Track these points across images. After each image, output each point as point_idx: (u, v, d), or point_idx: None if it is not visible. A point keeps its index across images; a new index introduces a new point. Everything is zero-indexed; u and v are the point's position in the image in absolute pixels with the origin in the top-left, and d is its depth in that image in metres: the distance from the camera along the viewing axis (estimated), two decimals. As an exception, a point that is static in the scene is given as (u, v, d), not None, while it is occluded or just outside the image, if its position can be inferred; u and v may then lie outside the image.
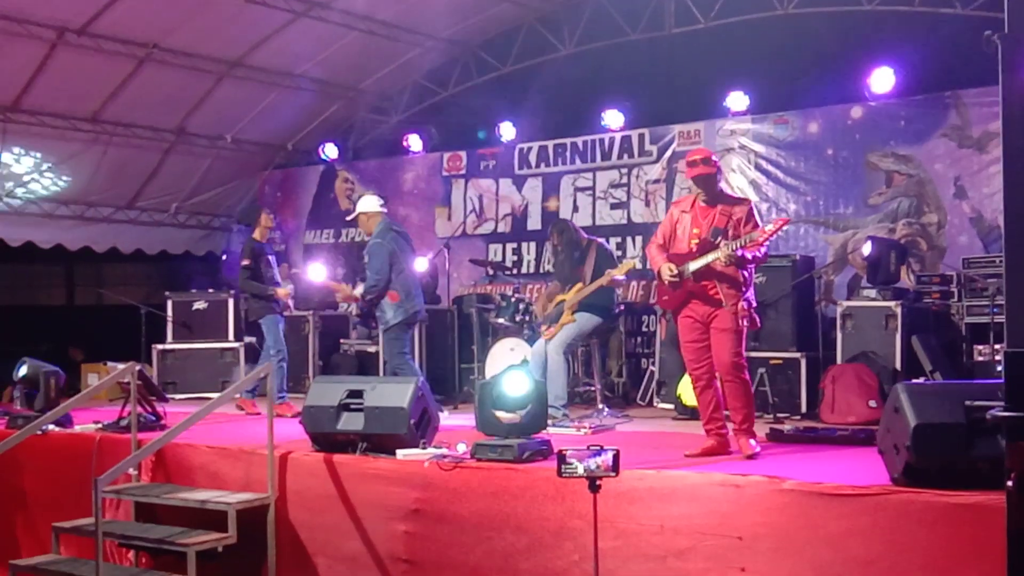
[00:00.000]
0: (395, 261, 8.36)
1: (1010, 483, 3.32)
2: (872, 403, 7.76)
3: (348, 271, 13.92)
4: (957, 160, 9.80)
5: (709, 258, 6.25)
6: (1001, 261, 4.14)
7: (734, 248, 6.16)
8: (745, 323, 6.31)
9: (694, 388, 6.58)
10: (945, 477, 4.64)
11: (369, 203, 8.64)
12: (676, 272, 6.34)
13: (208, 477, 6.88)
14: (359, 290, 8.58)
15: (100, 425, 7.95)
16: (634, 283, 11.28)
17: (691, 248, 6.40)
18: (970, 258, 9.28)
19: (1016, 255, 3.53)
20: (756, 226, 6.32)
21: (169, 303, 11.70)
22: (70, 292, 16.35)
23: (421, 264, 10.08)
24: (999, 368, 3.67)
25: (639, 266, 11.30)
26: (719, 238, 6.28)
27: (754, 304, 6.43)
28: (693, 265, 6.33)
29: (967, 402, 4.59)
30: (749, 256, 6.25)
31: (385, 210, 8.75)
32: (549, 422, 7.33)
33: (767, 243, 6.28)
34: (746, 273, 6.36)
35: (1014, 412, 3.34)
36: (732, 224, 6.32)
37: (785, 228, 10.31)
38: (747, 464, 5.68)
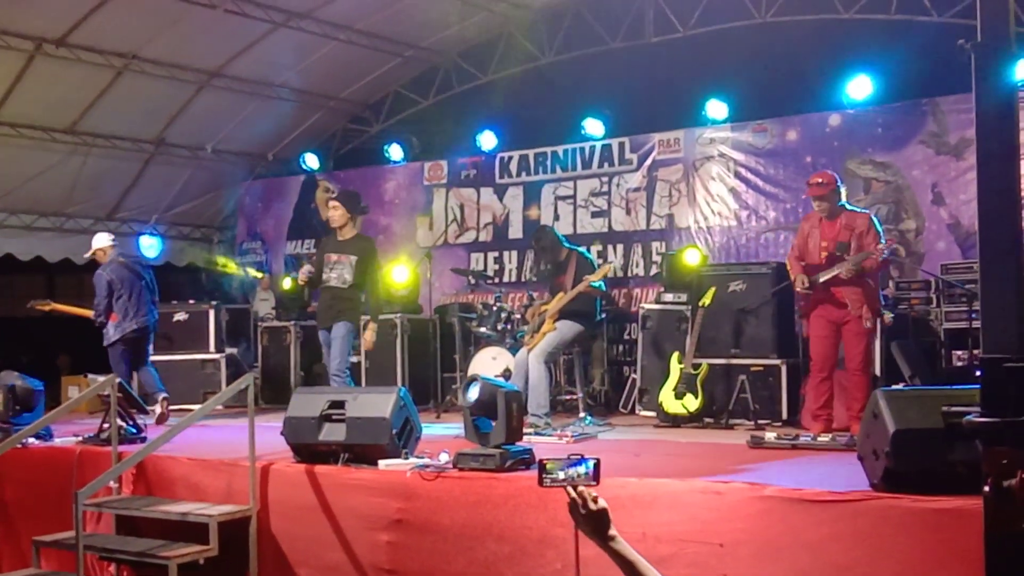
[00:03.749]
0: (114, 288, 9.56)
1: (987, 488, 3.34)
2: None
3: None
4: (935, 167, 9.87)
5: (835, 271, 7.40)
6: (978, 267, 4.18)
7: (853, 265, 7.30)
8: (868, 324, 7.43)
9: (813, 378, 7.62)
10: (924, 482, 4.65)
11: (100, 240, 9.93)
12: (808, 284, 7.49)
13: (189, 489, 6.84)
14: (91, 313, 9.70)
15: (80, 438, 7.90)
16: (615, 291, 11.29)
17: (820, 260, 7.53)
18: (948, 264, 9.34)
19: (991, 261, 3.56)
20: (877, 235, 7.45)
21: (149, 314, 11.63)
22: (51, 303, 16.22)
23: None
24: (977, 373, 3.69)
25: (619, 273, 11.35)
26: (844, 252, 7.41)
27: (880, 304, 7.78)
28: (823, 276, 7.47)
29: (944, 407, 4.61)
30: (867, 267, 7.37)
31: (115, 244, 9.96)
32: (531, 431, 7.36)
33: (881, 255, 7.39)
34: (871, 280, 7.50)
35: (991, 417, 3.37)
36: (855, 236, 7.44)
37: (766, 234, 10.56)
38: (728, 471, 5.70)
